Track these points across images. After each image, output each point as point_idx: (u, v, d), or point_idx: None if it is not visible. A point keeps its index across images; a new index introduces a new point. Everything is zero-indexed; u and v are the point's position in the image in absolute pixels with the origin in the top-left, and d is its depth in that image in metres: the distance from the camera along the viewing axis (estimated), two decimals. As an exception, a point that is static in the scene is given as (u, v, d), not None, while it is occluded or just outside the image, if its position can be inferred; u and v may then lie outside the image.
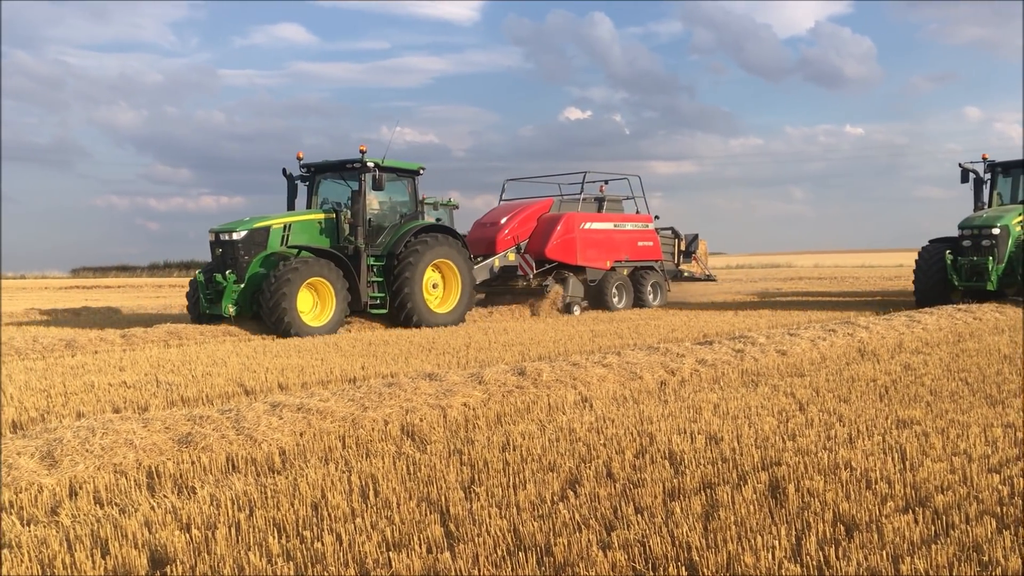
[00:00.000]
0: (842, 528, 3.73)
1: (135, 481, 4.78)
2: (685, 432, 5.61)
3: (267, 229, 14.38)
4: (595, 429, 5.78)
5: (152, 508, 4.24)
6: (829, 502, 4.03)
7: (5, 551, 3.66)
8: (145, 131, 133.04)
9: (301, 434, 5.79)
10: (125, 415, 6.22)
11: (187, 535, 3.79)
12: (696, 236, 21.74)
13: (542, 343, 11.70)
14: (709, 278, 22.84)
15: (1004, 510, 3.91)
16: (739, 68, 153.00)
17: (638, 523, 3.82)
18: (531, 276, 17.96)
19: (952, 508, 3.95)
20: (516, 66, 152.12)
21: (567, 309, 17.83)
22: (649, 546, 3.53)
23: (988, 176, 18.18)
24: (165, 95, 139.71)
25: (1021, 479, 4.35)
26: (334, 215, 15.14)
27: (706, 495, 4.22)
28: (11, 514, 4.24)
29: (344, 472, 4.82)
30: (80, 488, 4.63)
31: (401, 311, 14.98)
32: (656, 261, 20.34)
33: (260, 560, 3.50)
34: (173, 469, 5.00)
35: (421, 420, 6.22)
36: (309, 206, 15.69)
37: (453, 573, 3.38)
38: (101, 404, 7.18)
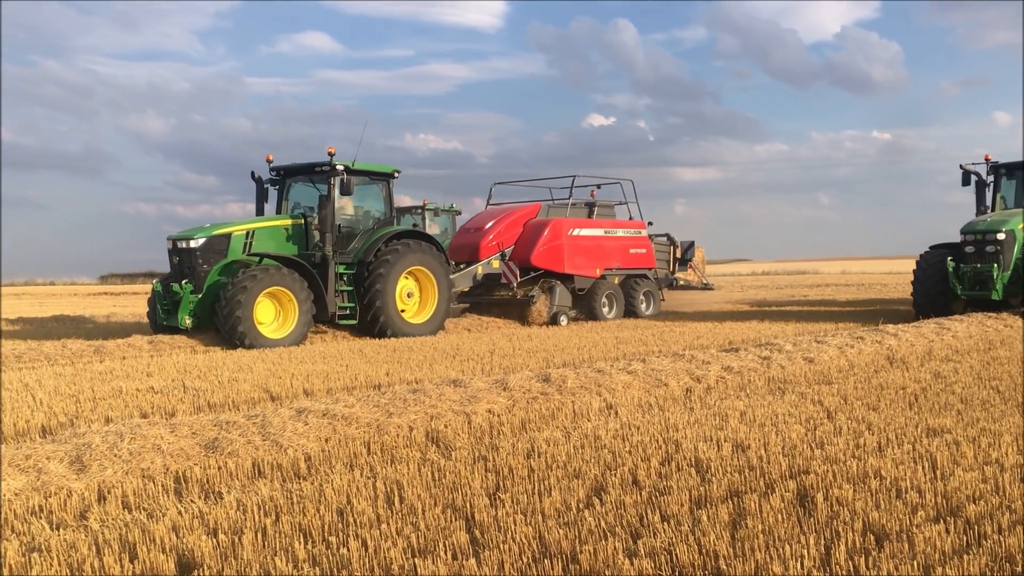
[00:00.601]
0: (872, 538, 3.68)
1: (163, 486, 4.81)
2: (711, 440, 5.57)
3: (228, 236, 13.71)
4: (620, 436, 5.75)
5: (179, 513, 4.27)
6: (858, 511, 3.97)
7: (35, 554, 3.70)
8: (173, 139, 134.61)
9: (326, 440, 5.81)
10: (152, 420, 6.28)
11: (214, 540, 3.81)
12: (692, 243, 20.91)
13: (566, 349, 11.68)
14: (706, 287, 21.82)
15: (1038, 520, 3.84)
16: (764, 74, 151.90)
17: (664, 531, 3.79)
18: (515, 285, 17.04)
19: (984, 518, 3.88)
20: (540, 73, 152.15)
21: (554, 320, 16.92)
22: (676, 554, 3.50)
23: (991, 178, 16.83)
24: (193, 103, 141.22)
25: (1056, 489, 4.28)
26: (303, 221, 14.49)
27: (733, 503, 4.18)
28: (41, 518, 4.28)
29: (369, 478, 4.83)
30: (108, 493, 4.67)
31: (374, 323, 14.30)
32: (649, 269, 19.36)
33: (286, 565, 3.51)
34: (200, 474, 5.04)
35: (446, 426, 6.22)
36: (279, 211, 15.06)
37: (478, 580, 3.37)
38: (129, 409, 7.25)
